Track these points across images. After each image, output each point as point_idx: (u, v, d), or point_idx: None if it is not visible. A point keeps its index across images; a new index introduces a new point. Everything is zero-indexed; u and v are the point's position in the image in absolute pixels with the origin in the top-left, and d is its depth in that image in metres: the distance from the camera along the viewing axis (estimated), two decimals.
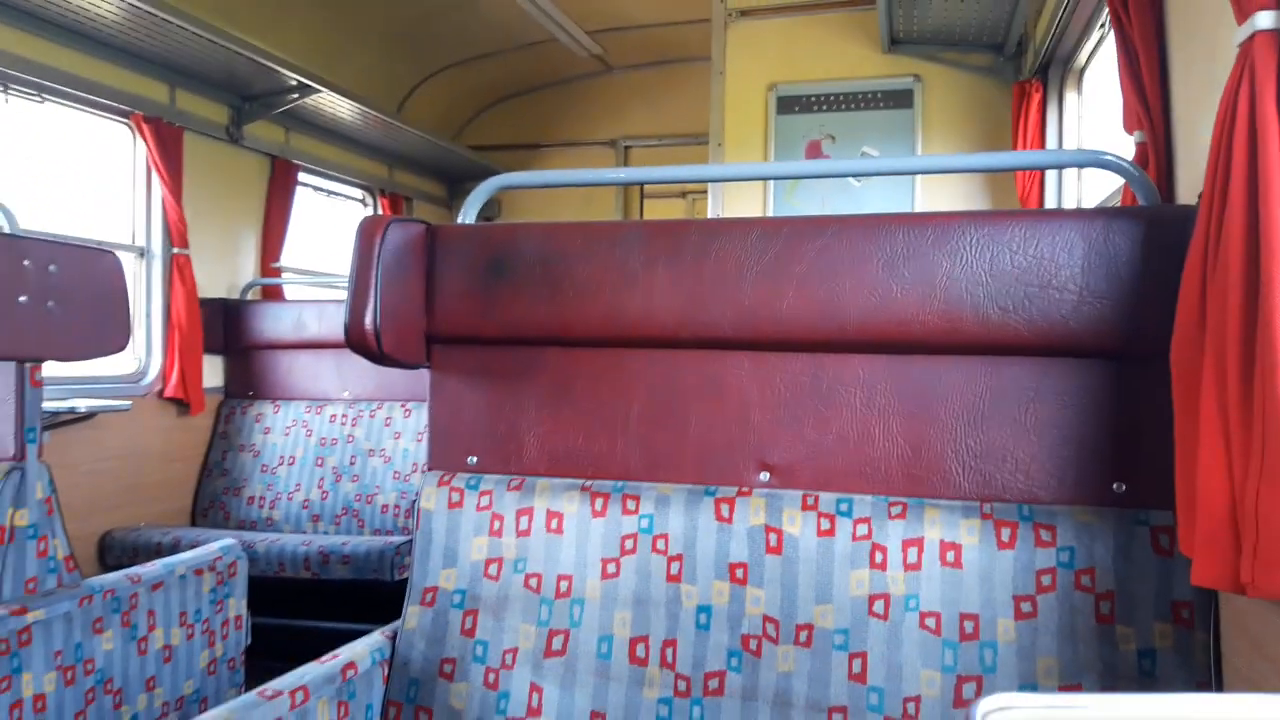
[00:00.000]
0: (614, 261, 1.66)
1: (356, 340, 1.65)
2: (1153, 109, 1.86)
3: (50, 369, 3.27)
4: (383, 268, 1.66)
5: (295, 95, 4.16)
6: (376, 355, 1.67)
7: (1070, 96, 3.34)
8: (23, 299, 1.94)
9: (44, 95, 3.44)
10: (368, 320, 1.64)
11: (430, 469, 1.81)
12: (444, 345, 1.80)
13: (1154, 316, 1.42)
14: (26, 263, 1.95)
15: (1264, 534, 1.06)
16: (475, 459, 1.78)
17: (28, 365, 2.01)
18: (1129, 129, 1.96)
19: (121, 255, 3.75)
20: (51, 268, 2.00)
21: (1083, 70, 3.27)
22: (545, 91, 6.29)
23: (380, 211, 5.57)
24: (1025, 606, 1.43)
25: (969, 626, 1.45)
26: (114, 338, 2.16)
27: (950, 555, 1.48)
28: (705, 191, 4.20)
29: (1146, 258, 1.43)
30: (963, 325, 1.51)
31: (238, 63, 3.78)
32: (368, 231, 1.67)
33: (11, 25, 3.19)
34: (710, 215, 3.93)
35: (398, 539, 3.20)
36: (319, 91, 4.13)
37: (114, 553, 3.35)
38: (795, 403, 1.63)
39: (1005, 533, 1.47)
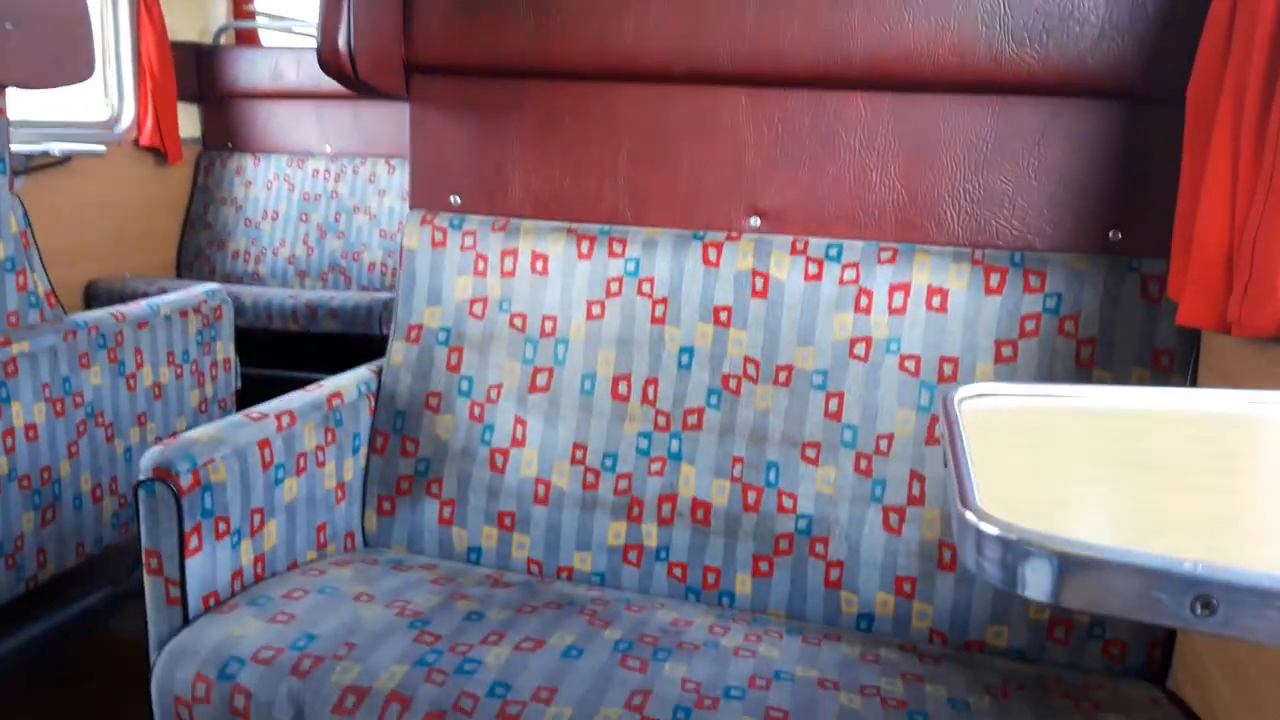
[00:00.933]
0: None
1: (330, 62, 1.56)
2: None
3: (22, 113, 3.13)
4: None
5: None
6: (352, 79, 1.58)
7: None
8: None
9: None
10: (341, 40, 1.54)
11: (413, 207, 1.76)
12: (424, 75, 1.70)
13: (1175, 55, 1.34)
14: None
15: (1258, 271, 1.04)
16: (458, 198, 1.73)
17: None
18: None
19: None
20: (7, 25, 1.85)
21: None
22: None
23: None
24: (1006, 351, 1.44)
25: (948, 369, 1.46)
26: (78, 65, 2.04)
27: (936, 300, 1.47)
28: None
29: None
30: (975, 60, 1.43)
31: None
32: None
33: None
34: None
35: (384, 295, 3.20)
36: None
37: (100, 301, 3.35)
38: (792, 144, 1.56)
39: (995, 278, 1.45)
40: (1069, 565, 0.42)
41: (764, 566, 1.50)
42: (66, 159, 3.21)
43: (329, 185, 3.74)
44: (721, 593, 1.52)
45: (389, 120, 3.68)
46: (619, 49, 1.57)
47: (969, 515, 0.46)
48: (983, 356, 1.45)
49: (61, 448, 1.97)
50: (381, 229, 3.65)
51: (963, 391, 0.65)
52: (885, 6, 1.45)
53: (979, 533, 0.45)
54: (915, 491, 1.44)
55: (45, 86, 2.02)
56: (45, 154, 3.06)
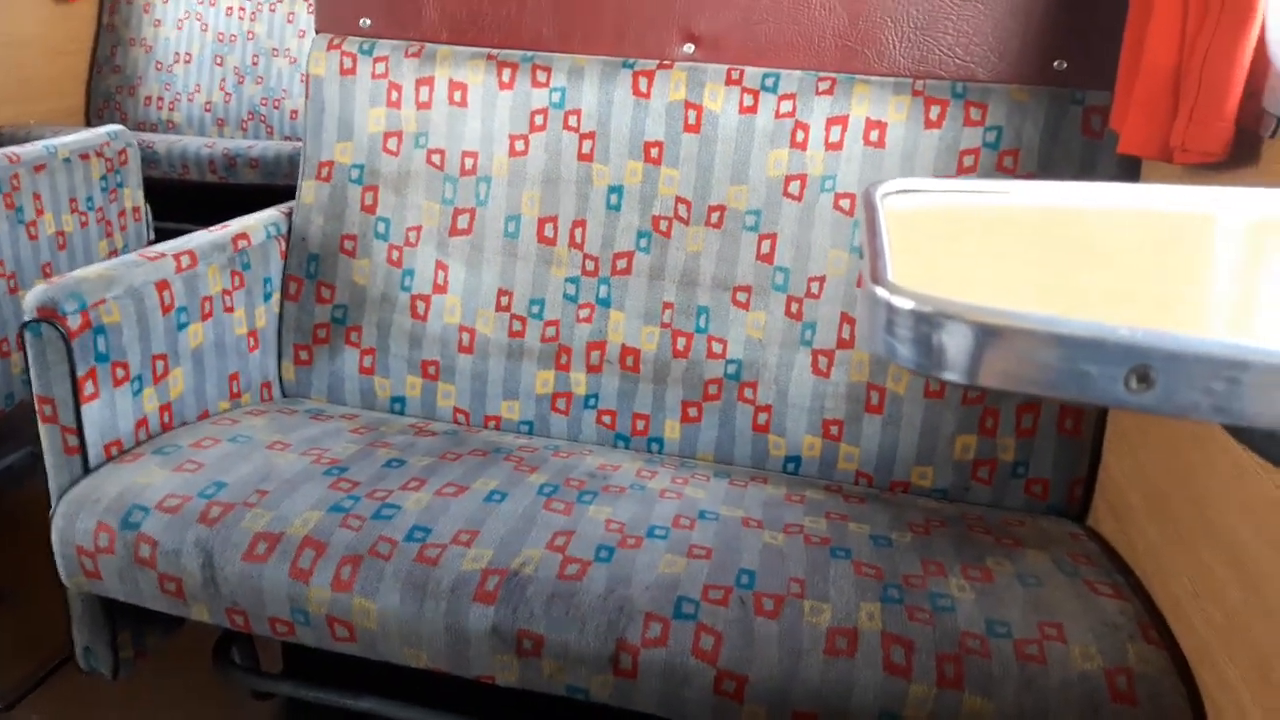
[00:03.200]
0: None
1: None
2: None
3: None
4: None
5: None
6: None
7: None
8: None
9: None
10: None
11: (319, 31, 1.62)
12: None
13: None
14: None
15: (1205, 92, 0.99)
16: (368, 21, 1.59)
17: None
18: None
19: None
20: None
21: None
22: None
23: None
24: None
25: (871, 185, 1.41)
26: None
27: (874, 134, 1.40)
28: None
29: None
30: None
31: None
32: None
33: None
34: None
35: None
36: None
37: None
38: None
39: (934, 110, 1.38)
40: (989, 336, 0.37)
41: (692, 412, 1.47)
42: None
43: (244, 25, 3.48)
44: (650, 439, 1.50)
45: None
46: None
47: (878, 290, 0.41)
48: None
49: None
50: (303, 73, 3.43)
51: (886, 186, 0.59)
52: None
53: (889, 307, 0.40)
54: (845, 334, 1.41)
55: None
56: None
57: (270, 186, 2.91)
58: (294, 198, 1.63)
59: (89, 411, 1.23)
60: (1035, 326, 0.37)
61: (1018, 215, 0.61)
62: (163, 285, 1.34)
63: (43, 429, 1.24)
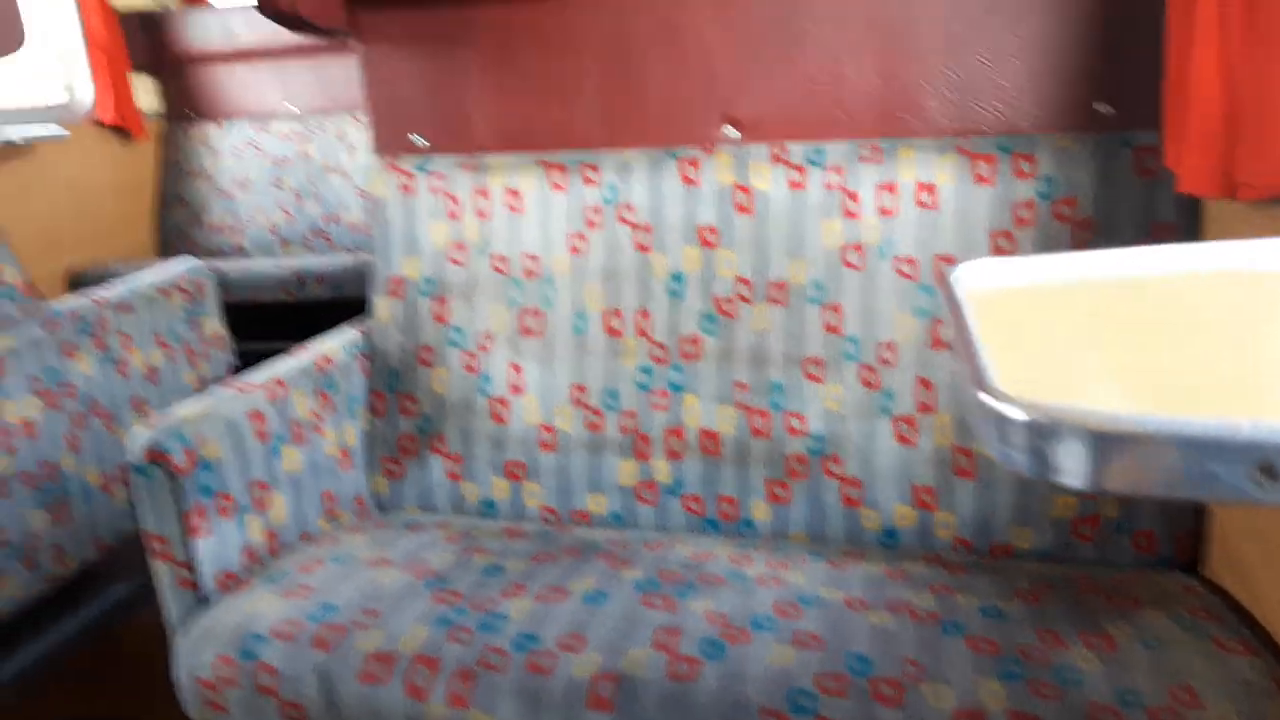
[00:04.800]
0: None
1: (266, 1, 1.49)
2: None
3: None
4: None
5: None
6: (289, 18, 1.51)
7: None
8: None
9: None
10: None
11: (376, 153, 1.70)
12: (367, 7, 1.63)
13: None
14: None
15: (1262, 121, 0.98)
16: (422, 139, 1.67)
17: None
18: None
19: None
20: None
21: None
22: None
23: None
24: (1003, 243, 1.39)
25: (945, 268, 1.42)
26: (8, 36, 1.95)
27: (925, 196, 1.41)
28: None
29: None
30: None
31: None
32: None
33: None
34: None
35: (370, 255, 3.14)
36: None
37: (83, 288, 3.30)
38: (760, 45, 1.49)
39: (983, 167, 1.39)
40: (1107, 444, 0.37)
41: (780, 491, 1.48)
42: (29, 145, 3.12)
43: (298, 147, 3.64)
44: (740, 522, 1.50)
45: (351, 72, 3.57)
46: None
47: (988, 400, 0.41)
48: (979, 251, 1.40)
49: (61, 441, 1.95)
50: (358, 188, 3.57)
51: (960, 271, 0.61)
52: None
53: (1002, 418, 0.40)
54: (924, 398, 1.41)
55: None
56: (7, 143, 2.98)
57: (339, 300, 3.02)
58: (361, 308, 1.69)
59: (199, 546, 1.28)
60: (1155, 431, 0.36)
61: (1102, 288, 0.62)
62: (257, 415, 1.40)
63: (155, 565, 1.29)
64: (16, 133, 3.01)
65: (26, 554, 1.84)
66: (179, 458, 1.26)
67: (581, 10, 1.54)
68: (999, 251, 1.39)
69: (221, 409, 1.36)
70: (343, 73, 3.60)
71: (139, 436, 1.28)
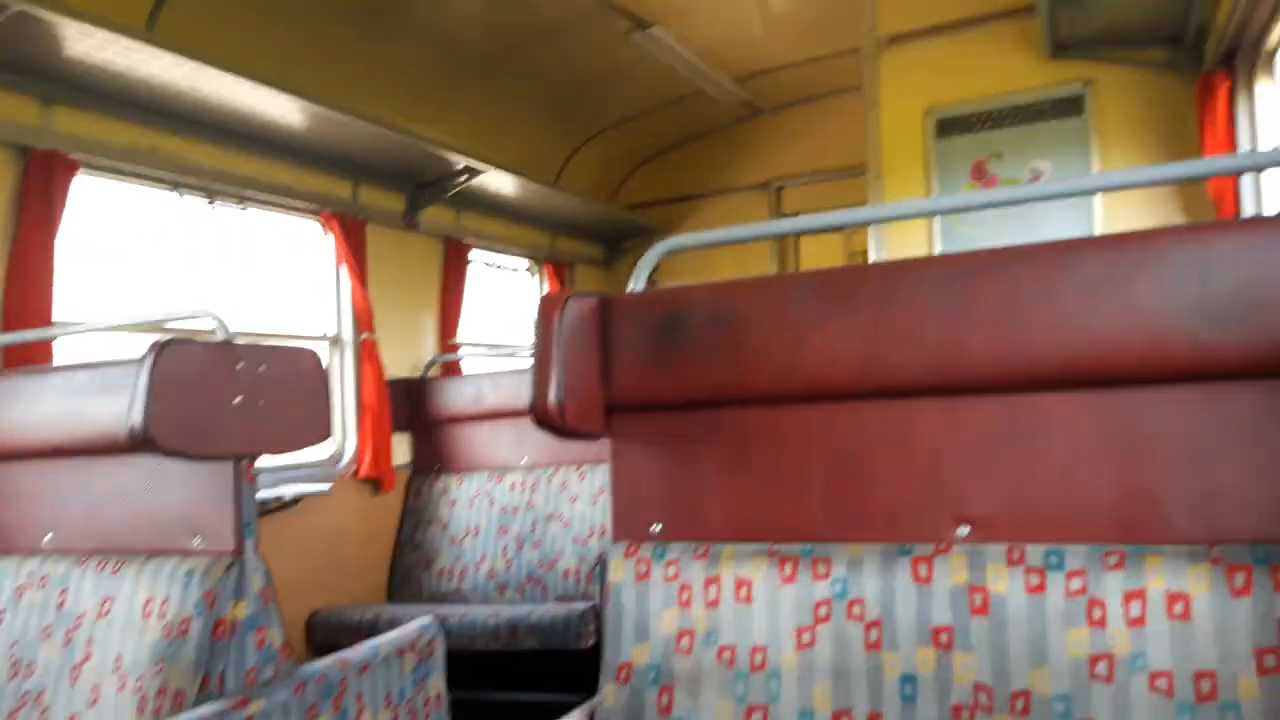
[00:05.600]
0: (787, 317, 1.61)
1: (541, 416, 1.67)
2: None
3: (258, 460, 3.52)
4: (563, 343, 1.68)
5: (464, 177, 4.37)
6: (560, 428, 1.68)
7: (1262, 85, 3.03)
8: (237, 400, 2.09)
9: (245, 201, 3.76)
10: (551, 395, 1.66)
11: (616, 539, 1.79)
12: (623, 413, 1.80)
13: None
14: (240, 365, 2.11)
15: None
16: (659, 527, 1.75)
17: (243, 462, 2.15)
18: None
19: (316, 345, 4.05)
20: (261, 368, 2.14)
21: (1274, 54, 2.96)
22: (695, 142, 6.34)
23: (545, 279, 5.74)
24: (1269, 660, 1.25)
25: (1205, 686, 1.28)
26: (317, 430, 2.29)
27: (1178, 607, 1.31)
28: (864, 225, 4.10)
29: None
30: (1172, 351, 1.36)
31: (412, 153, 4.02)
32: (546, 310, 1.70)
33: (214, 142, 3.52)
34: (871, 253, 3.80)
35: (581, 605, 3.21)
36: (484, 172, 4.32)
37: (321, 632, 3.53)
38: (991, 449, 1.51)
39: (1239, 578, 1.29)
40: None
41: None
42: (296, 500, 3.52)
43: (525, 497, 3.91)
44: None
45: None
46: (805, 374, 1.61)
47: None
48: (1242, 668, 1.26)
49: None
50: (575, 535, 3.74)
51: None
52: (1068, 309, 1.42)
53: None
54: None
55: (290, 452, 2.27)
56: (278, 499, 3.38)
57: (547, 651, 3.07)
58: (568, 660, 1.69)
59: None
60: None
61: None
62: None
63: None
64: (290, 491, 3.42)
65: None
66: None
67: (815, 415, 1.63)
68: (1264, 671, 1.25)
69: None
70: None
71: None
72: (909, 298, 1.52)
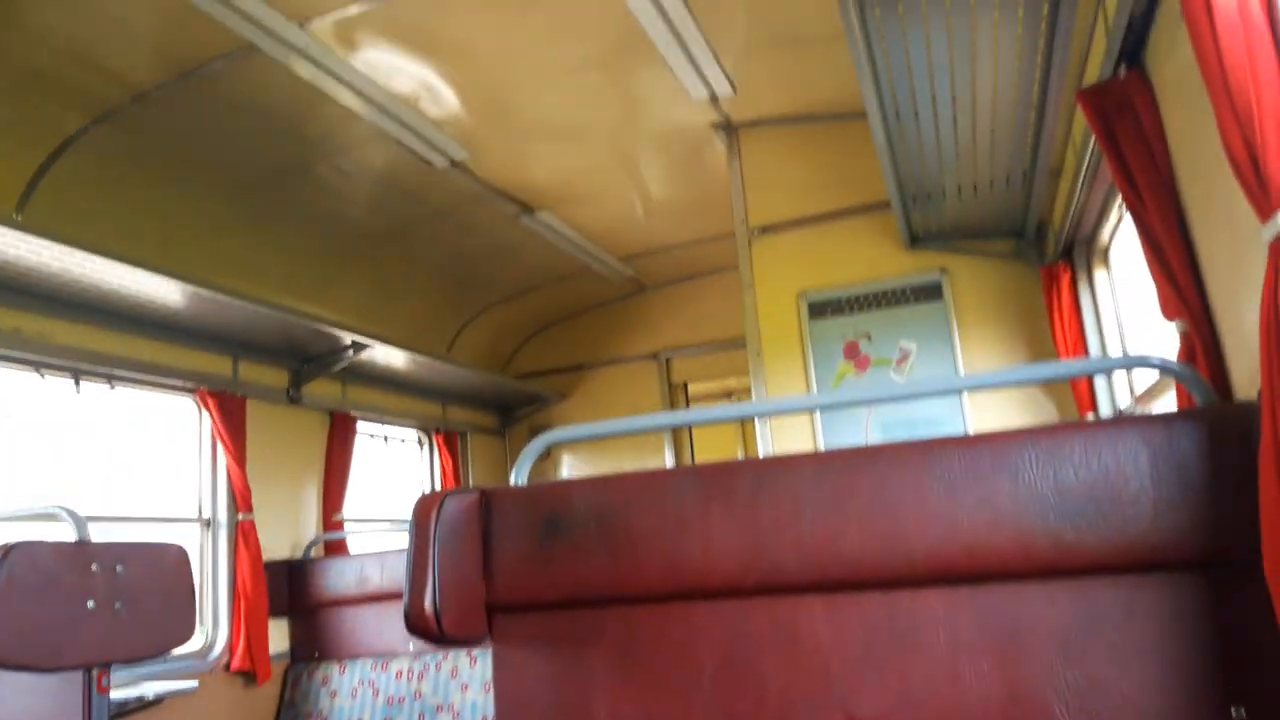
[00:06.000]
0: (669, 511, 1.64)
1: (417, 624, 1.62)
2: (1188, 297, 1.85)
3: None
4: (440, 544, 1.66)
5: (351, 352, 4.35)
6: (437, 636, 1.64)
7: (1100, 274, 3.36)
8: (90, 604, 1.96)
9: (114, 381, 3.63)
10: (427, 603, 1.62)
11: None
12: (505, 614, 1.76)
13: (1239, 520, 1.35)
14: (94, 567, 1.99)
15: None
16: None
17: (94, 671, 2.00)
18: (1168, 316, 1.95)
19: (187, 527, 3.85)
20: (119, 568, 2.02)
21: (1107, 249, 3.30)
22: (585, 314, 6.52)
23: (435, 449, 5.67)
24: None
25: None
26: (180, 631, 2.16)
27: None
28: (749, 389, 4.25)
29: (1216, 459, 1.38)
30: (1036, 548, 1.44)
31: (296, 330, 3.99)
32: (423, 510, 1.68)
33: (83, 321, 3.42)
34: (758, 432, 3.92)
35: None
36: (372, 346, 4.32)
37: None
38: (875, 647, 1.54)
39: None
40: None
41: None
42: (159, 700, 3.26)
43: (412, 686, 3.72)
44: None
45: None
46: (689, 570, 1.62)
47: None
48: None
49: None
50: None
51: None
52: (935, 505, 1.50)
53: None
54: None
55: (149, 658, 2.12)
56: (139, 699, 3.12)
57: None
58: None
59: None
60: None
61: None
62: None
63: None
64: (151, 689, 3.17)
65: None
66: None
67: (700, 612, 1.64)
68: None
69: None
70: None
71: None
72: (787, 492, 1.58)
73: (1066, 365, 1.84)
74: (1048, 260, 3.55)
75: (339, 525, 4.48)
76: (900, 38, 2.29)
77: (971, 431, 3.68)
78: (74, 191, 3.28)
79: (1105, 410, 3.32)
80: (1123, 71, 2.02)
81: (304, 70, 3.18)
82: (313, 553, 4.31)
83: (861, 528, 1.54)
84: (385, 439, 5.39)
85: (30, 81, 2.92)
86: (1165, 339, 2.15)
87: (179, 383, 3.82)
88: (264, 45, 3.02)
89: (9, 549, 1.89)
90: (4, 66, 2.83)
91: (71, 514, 2.15)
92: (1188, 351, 1.87)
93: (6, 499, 3.23)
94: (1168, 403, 2.64)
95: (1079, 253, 3.39)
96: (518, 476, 1.84)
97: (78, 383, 3.49)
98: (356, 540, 4.67)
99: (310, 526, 4.40)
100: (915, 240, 3.80)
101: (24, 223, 2.86)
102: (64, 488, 3.52)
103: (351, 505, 4.70)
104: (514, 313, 6.17)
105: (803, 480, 1.58)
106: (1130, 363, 1.71)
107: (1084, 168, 2.68)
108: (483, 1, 3.03)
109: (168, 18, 2.83)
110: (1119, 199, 2.83)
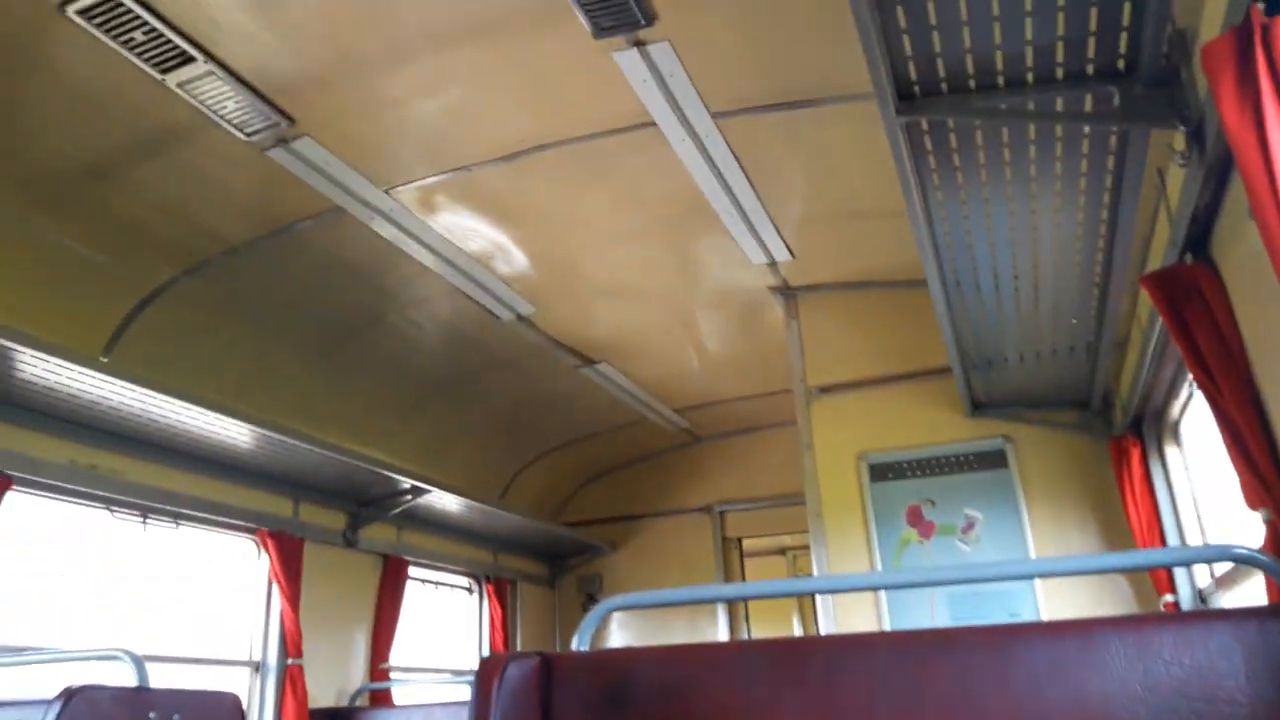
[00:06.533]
0: (736, 689, 1.59)
1: None
2: (1272, 486, 1.81)
3: None
4: (500, 711, 1.63)
5: (408, 497, 4.39)
6: None
7: (1172, 451, 3.29)
8: None
9: (180, 519, 3.69)
10: None
11: None
12: None
13: None
14: (152, 716, 1.98)
15: None
16: None
17: None
18: (1251, 505, 1.90)
19: (237, 670, 3.82)
20: (176, 717, 2.01)
21: (1178, 424, 3.24)
22: (638, 465, 6.52)
23: (486, 597, 5.60)
24: None
25: None
26: None
27: None
28: (806, 547, 4.15)
29: None
30: None
31: (357, 473, 4.05)
32: (486, 674, 1.66)
33: (153, 461, 3.52)
34: (818, 600, 3.81)
35: None
36: (430, 491, 4.36)
37: None
38: None
39: None
40: None
41: None
42: None
43: None
44: None
45: None
46: None
47: None
48: None
49: None
50: None
51: None
52: (1019, 698, 1.43)
53: None
54: None
55: None
56: None
57: None
58: None
59: None
60: None
61: None
62: None
63: None
64: None
65: None
66: None
67: None
68: None
69: None
70: None
71: None
72: (860, 675, 1.53)
73: (1147, 555, 1.79)
74: (1115, 432, 3.49)
75: (385, 675, 4.40)
76: (962, 220, 2.36)
77: (1043, 607, 3.54)
78: (160, 336, 3.45)
79: (1184, 591, 3.18)
80: (1189, 258, 2.05)
81: (386, 231, 3.36)
82: (358, 701, 4.23)
83: (940, 717, 1.48)
84: (436, 585, 5.36)
85: (127, 232, 3.12)
86: (1244, 518, 2.09)
87: (241, 522, 3.88)
88: (351, 208, 3.21)
89: (71, 693, 1.89)
90: (103, 216, 3.03)
91: (132, 656, 2.16)
92: (1273, 540, 1.82)
93: (71, 636, 3.26)
94: (1251, 587, 2.52)
95: (1149, 427, 3.33)
96: (580, 643, 1.81)
97: (145, 521, 3.56)
98: (402, 691, 4.57)
99: (357, 673, 4.33)
100: (977, 407, 3.77)
101: (110, 365, 3.00)
102: (125, 624, 3.54)
103: (398, 651, 4.63)
104: (569, 460, 6.19)
105: (877, 663, 1.53)
106: (1215, 555, 1.66)
107: (1151, 344, 2.67)
108: (555, 174, 3.21)
109: (265, 181, 3.03)
110: (1189, 376, 2.80)
